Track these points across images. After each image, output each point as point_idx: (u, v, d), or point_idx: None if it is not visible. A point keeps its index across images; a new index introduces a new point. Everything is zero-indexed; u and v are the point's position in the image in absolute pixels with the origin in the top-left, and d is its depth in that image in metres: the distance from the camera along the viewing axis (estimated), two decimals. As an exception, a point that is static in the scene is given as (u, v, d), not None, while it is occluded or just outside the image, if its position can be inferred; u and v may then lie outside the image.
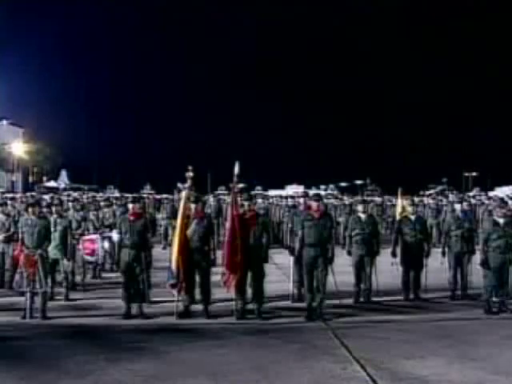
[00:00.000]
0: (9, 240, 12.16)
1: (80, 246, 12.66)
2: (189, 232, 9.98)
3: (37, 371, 7.11)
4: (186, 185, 10.71)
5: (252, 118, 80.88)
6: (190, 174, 10.67)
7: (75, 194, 28.01)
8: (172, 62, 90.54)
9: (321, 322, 9.60)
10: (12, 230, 12.20)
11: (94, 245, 12.84)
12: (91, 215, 14.51)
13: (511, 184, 44.56)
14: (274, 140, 79.01)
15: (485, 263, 10.23)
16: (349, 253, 11.55)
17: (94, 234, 13.46)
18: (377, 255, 11.49)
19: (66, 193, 32.69)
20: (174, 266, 9.78)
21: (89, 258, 12.87)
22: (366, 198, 28.38)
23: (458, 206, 12.62)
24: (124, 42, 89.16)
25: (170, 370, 7.22)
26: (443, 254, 11.74)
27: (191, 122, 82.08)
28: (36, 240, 9.97)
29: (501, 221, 10.35)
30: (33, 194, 28.75)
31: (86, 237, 13.00)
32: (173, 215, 17.74)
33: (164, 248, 18.01)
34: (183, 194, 10.78)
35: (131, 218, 10.22)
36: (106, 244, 13.50)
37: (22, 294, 9.98)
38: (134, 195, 17.28)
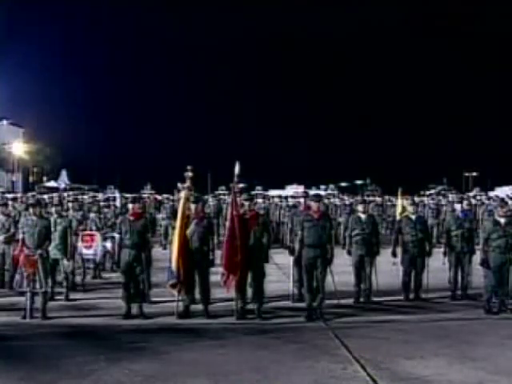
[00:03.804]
0: (9, 241, 12.15)
1: (79, 242, 12.65)
2: (188, 232, 9.98)
3: (37, 371, 7.12)
4: (185, 185, 10.68)
5: (252, 117, 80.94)
6: (189, 173, 10.63)
7: (70, 193, 28.04)
8: (172, 62, 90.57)
9: (321, 322, 9.60)
10: (12, 230, 12.20)
11: (92, 240, 12.82)
12: (92, 215, 14.48)
13: (511, 184, 44.47)
14: (274, 140, 78.99)
15: (485, 263, 10.23)
16: (349, 253, 11.55)
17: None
18: (377, 255, 11.50)
19: (65, 193, 32.64)
20: (173, 266, 9.78)
21: (85, 251, 12.76)
22: (366, 197, 28.32)
23: (458, 206, 12.62)
24: (124, 41, 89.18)
25: (169, 369, 7.23)
26: (445, 253, 11.73)
27: (191, 122, 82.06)
28: (37, 240, 9.97)
29: (502, 220, 10.35)
30: (33, 194, 28.73)
31: (87, 232, 13.04)
32: (173, 215, 17.76)
33: (164, 248, 18.02)
34: (182, 194, 10.77)
35: (131, 218, 10.23)
36: (109, 244, 13.49)
37: (22, 293, 9.98)
38: (134, 195, 17.25)
